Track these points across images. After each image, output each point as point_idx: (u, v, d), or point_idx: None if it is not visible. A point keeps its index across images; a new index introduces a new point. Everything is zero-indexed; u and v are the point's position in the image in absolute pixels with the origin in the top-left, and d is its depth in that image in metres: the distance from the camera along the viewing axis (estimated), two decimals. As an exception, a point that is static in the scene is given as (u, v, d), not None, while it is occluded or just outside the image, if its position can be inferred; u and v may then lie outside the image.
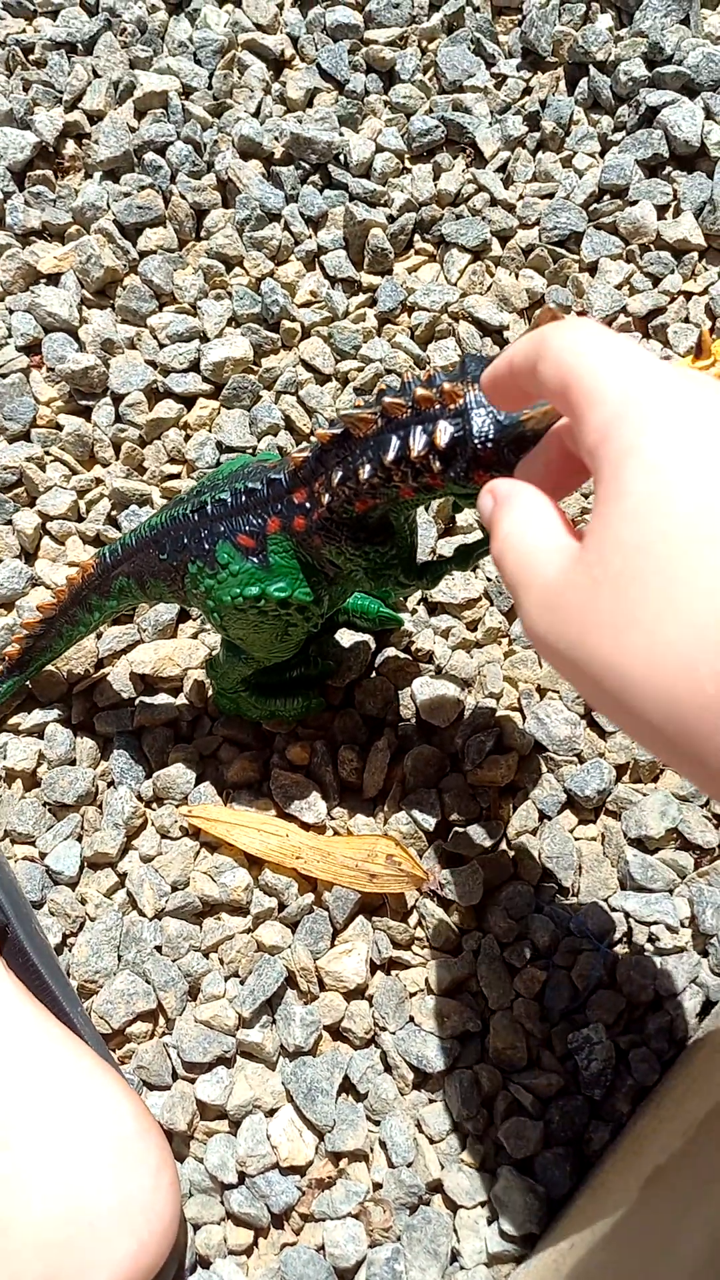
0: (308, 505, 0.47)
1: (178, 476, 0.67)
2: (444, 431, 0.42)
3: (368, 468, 0.44)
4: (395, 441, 0.43)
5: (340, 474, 0.45)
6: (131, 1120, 0.48)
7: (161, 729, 0.61)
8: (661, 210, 0.70)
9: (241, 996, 0.54)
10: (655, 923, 0.55)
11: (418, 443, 0.42)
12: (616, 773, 0.59)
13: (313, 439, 0.45)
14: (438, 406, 0.42)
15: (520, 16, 0.76)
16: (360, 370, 0.68)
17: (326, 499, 0.46)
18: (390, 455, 0.43)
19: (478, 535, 0.54)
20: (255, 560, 0.49)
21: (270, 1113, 0.53)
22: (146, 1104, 0.51)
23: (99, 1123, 0.47)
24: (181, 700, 0.62)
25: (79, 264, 0.70)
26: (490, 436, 0.41)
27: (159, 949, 0.56)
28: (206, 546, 0.50)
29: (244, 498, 0.48)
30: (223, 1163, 0.52)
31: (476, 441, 0.41)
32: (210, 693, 0.61)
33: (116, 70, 0.76)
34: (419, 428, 0.42)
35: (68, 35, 0.77)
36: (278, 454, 0.53)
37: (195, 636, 0.63)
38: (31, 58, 0.78)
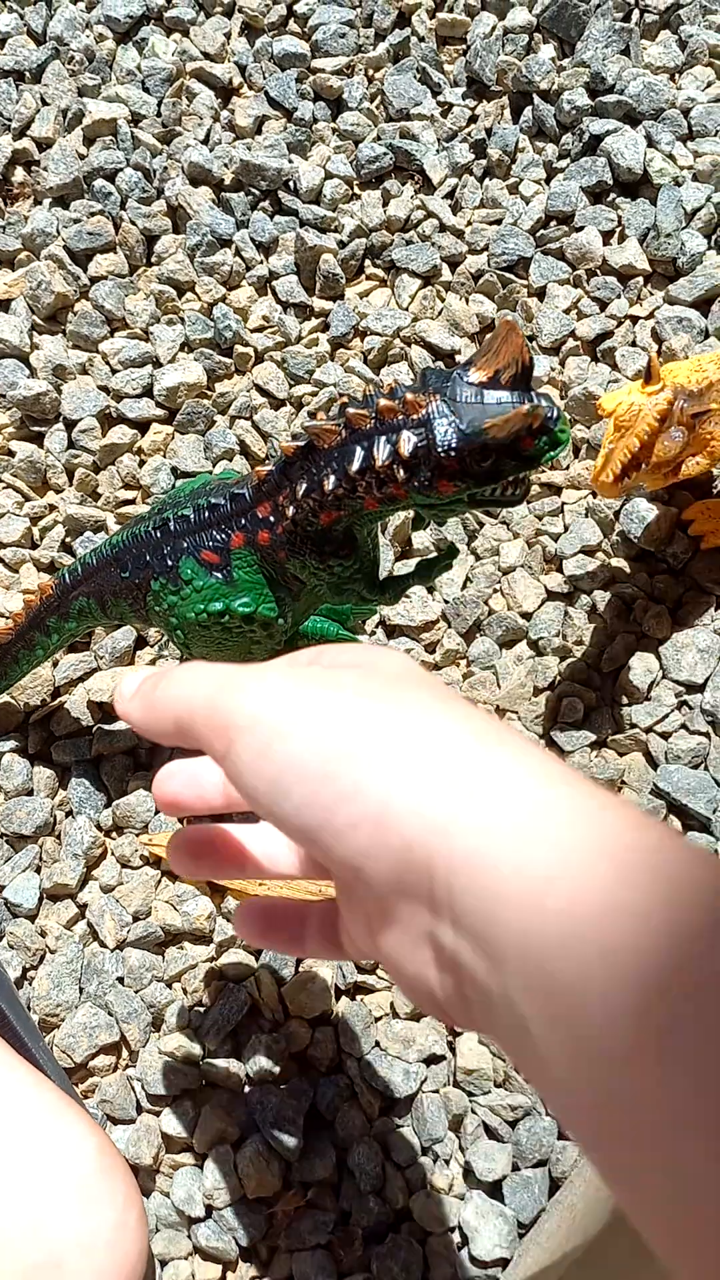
0: (272, 519, 0.47)
1: (133, 502, 0.67)
2: (407, 441, 0.42)
3: (332, 479, 0.44)
4: (359, 452, 0.43)
5: (305, 486, 0.45)
6: (95, 1156, 0.47)
7: (120, 757, 0.60)
8: (607, 236, 0.71)
9: (205, 1026, 0.54)
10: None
11: (382, 452, 0.43)
12: (576, 791, 0.59)
13: (275, 452, 0.45)
14: (400, 417, 0.42)
15: (465, 46, 0.77)
16: (314, 395, 0.68)
17: (291, 511, 0.46)
18: (355, 465, 0.43)
19: (435, 554, 0.55)
20: (219, 575, 0.49)
21: (237, 1144, 0.52)
22: (111, 1139, 0.50)
23: (62, 1160, 0.47)
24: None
25: (29, 290, 0.70)
26: (453, 445, 0.42)
27: (121, 980, 0.56)
28: (170, 563, 0.50)
29: (207, 513, 0.48)
30: (189, 1196, 0.51)
31: (440, 451, 0.42)
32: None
33: (65, 98, 0.76)
34: (383, 438, 0.43)
35: (15, 64, 0.77)
36: (238, 472, 0.52)
37: (153, 662, 0.63)
38: (-22, 85, 0.77)
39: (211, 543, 0.49)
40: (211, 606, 0.49)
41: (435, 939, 0.26)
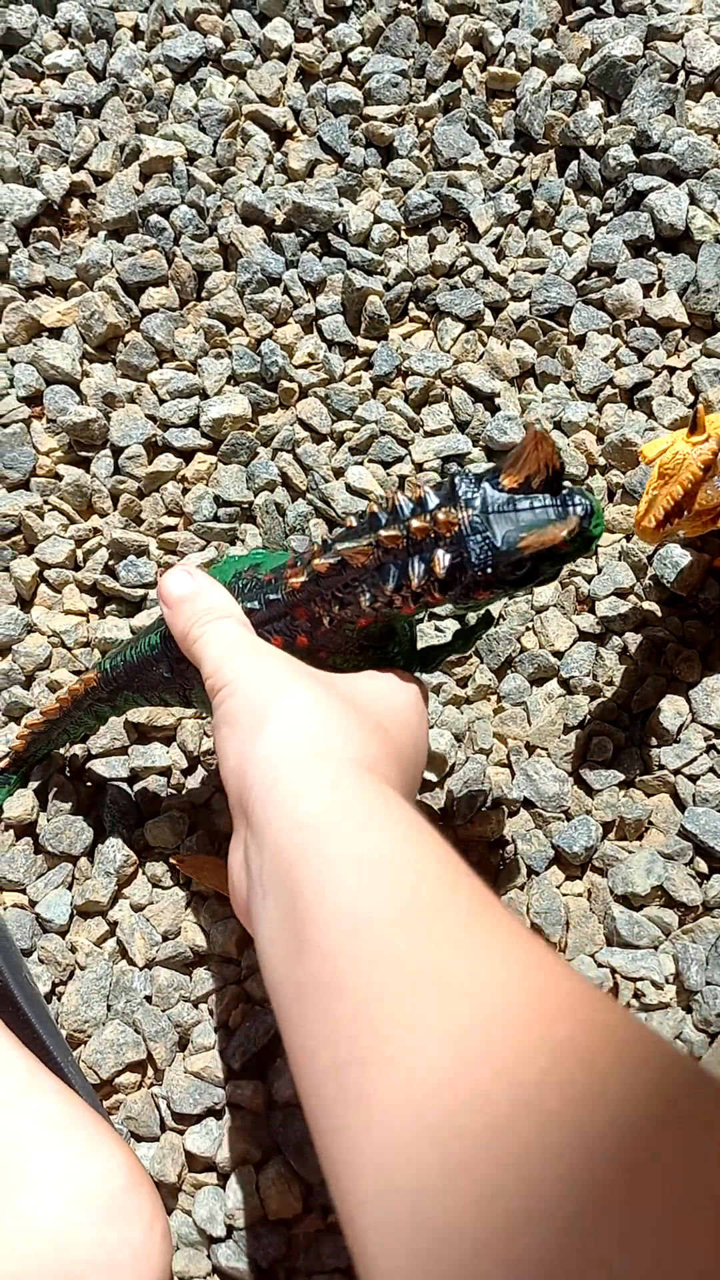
0: (308, 624, 0.46)
1: (175, 528, 0.68)
2: (442, 560, 0.42)
3: (367, 595, 0.44)
4: (394, 571, 0.43)
5: (340, 602, 0.45)
6: (123, 1172, 0.48)
7: (154, 777, 0.61)
8: (647, 289, 0.73)
9: (231, 1048, 0.55)
10: (641, 979, 0.56)
11: (416, 572, 0.42)
12: (603, 830, 0.60)
13: (309, 566, 0.45)
14: (433, 535, 0.42)
15: (514, 100, 0.80)
16: (356, 430, 0.70)
17: (328, 622, 0.46)
18: (390, 585, 0.43)
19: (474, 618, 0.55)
20: None
21: (259, 1165, 0.53)
22: (137, 1155, 0.51)
23: (90, 1174, 0.47)
24: (174, 749, 0.62)
25: (82, 319, 0.72)
26: (489, 563, 0.41)
27: (149, 999, 0.56)
28: None
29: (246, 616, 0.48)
30: (211, 1216, 0.51)
31: (475, 569, 0.42)
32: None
33: (123, 134, 0.78)
34: (416, 558, 0.42)
35: (75, 98, 0.79)
36: (263, 553, 0.52)
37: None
38: (39, 117, 0.80)
39: None
40: None
41: (245, 841, 0.38)
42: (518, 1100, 0.25)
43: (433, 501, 0.43)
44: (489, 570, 0.42)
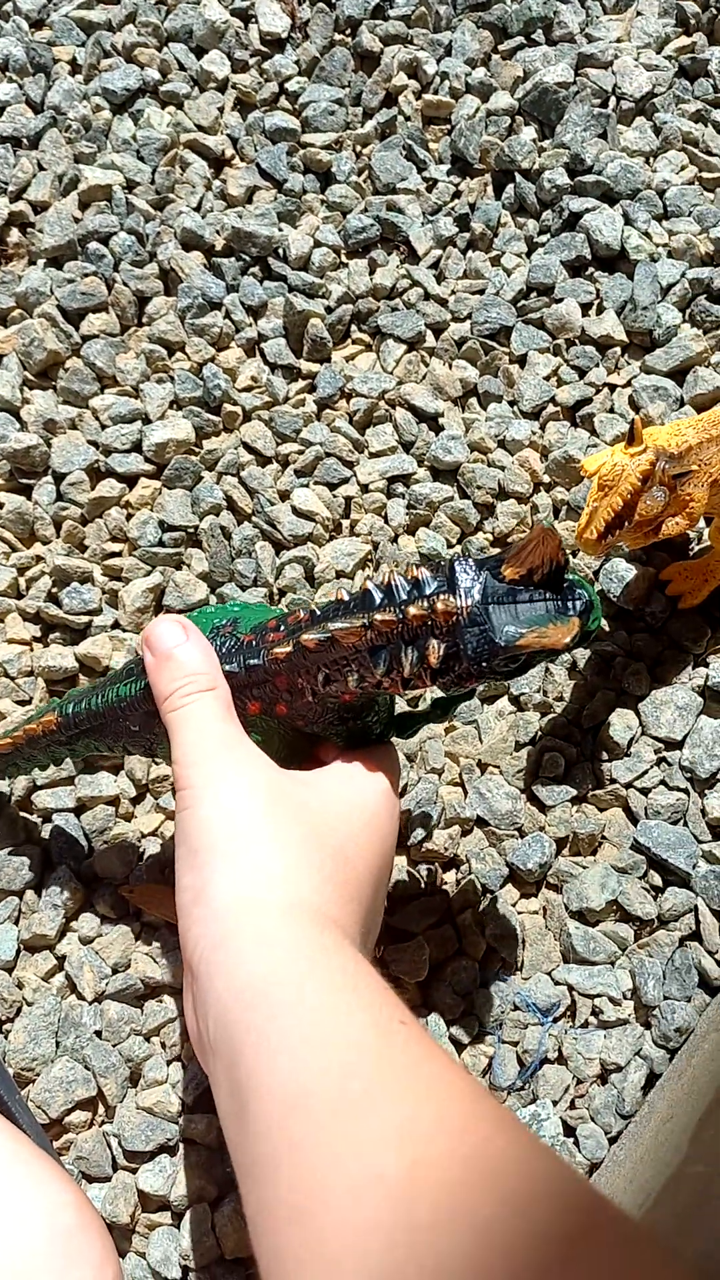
0: (288, 694, 0.45)
1: (119, 554, 0.67)
2: (437, 650, 0.41)
3: (355, 677, 0.43)
4: (385, 656, 0.42)
5: (324, 677, 0.43)
6: (72, 1212, 0.46)
7: (102, 806, 0.60)
8: (585, 308, 0.74)
9: (185, 1082, 0.53)
10: (599, 995, 0.56)
11: (410, 659, 0.42)
12: (557, 846, 0.60)
13: (296, 638, 0.43)
14: (429, 623, 0.41)
15: (449, 126, 0.81)
16: (301, 453, 0.69)
17: (310, 696, 0.44)
18: (380, 670, 0.42)
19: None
20: None
21: (215, 1202, 0.51)
22: (88, 1196, 0.49)
23: (38, 1216, 0.45)
24: (123, 778, 0.61)
25: (21, 346, 0.71)
26: (485, 657, 0.41)
27: (99, 1033, 0.55)
28: None
29: None
30: (166, 1257, 0.50)
31: (470, 662, 0.41)
32: None
33: (61, 164, 0.78)
34: (410, 645, 0.42)
35: (13, 130, 0.79)
36: (241, 605, 0.51)
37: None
38: (-25, 149, 0.79)
39: None
40: None
41: (192, 993, 0.39)
42: None
43: (430, 586, 0.41)
44: (484, 664, 0.41)
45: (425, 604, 0.41)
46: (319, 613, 0.44)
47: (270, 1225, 0.32)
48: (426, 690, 0.43)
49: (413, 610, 0.41)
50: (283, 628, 0.45)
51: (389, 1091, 0.32)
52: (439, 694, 0.53)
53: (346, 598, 0.44)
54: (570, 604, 0.42)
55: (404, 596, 0.42)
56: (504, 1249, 0.27)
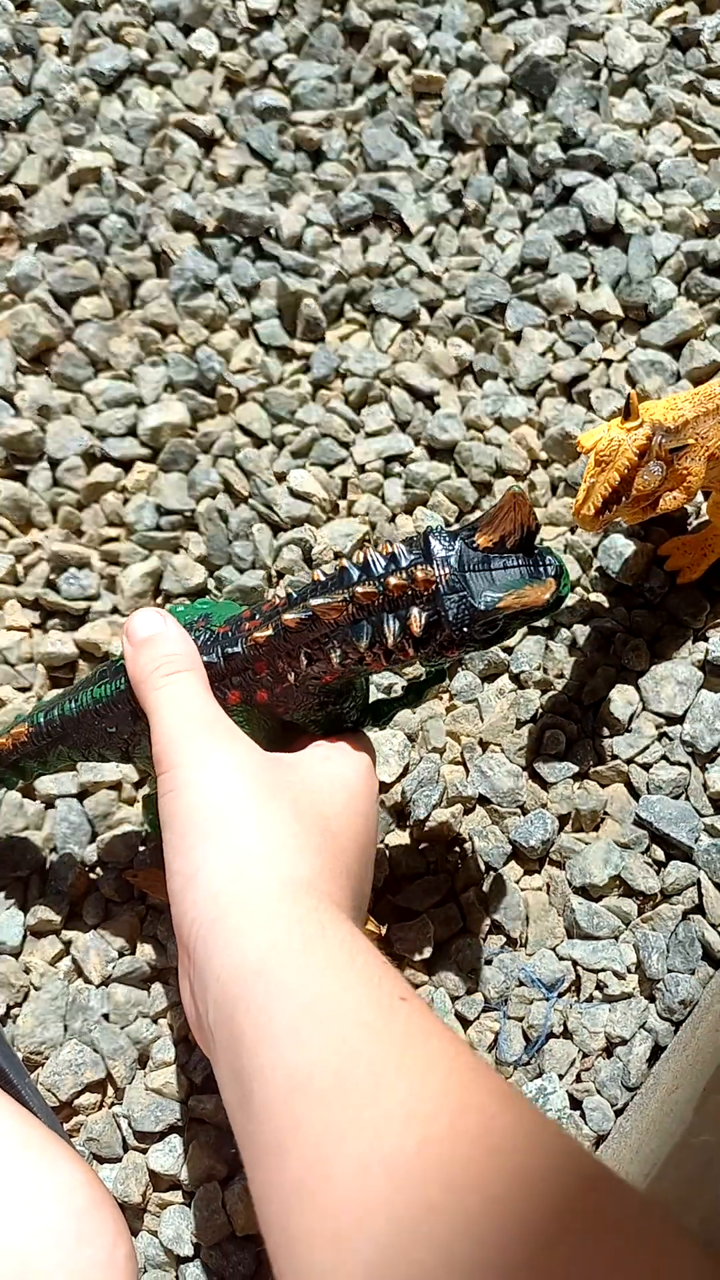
0: (270, 679, 0.45)
1: (116, 539, 0.67)
2: (419, 619, 0.42)
3: (338, 653, 0.43)
4: (368, 628, 0.42)
5: (308, 658, 0.44)
6: (84, 1192, 0.46)
7: (105, 791, 0.60)
8: (580, 283, 0.73)
9: (193, 1063, 0.53)
10: (603, 970, 0.56)
11: (392, 630, 0.42)
12: (559, 823, 0.60)
13: (274, 618, 0.44)
14: (409, 593, 0.42)
15: (440, 102, 0.80)
16: (296, 434, 0.69)
17: (292, 678, 0.45)
18: (364, 642, 0.42)
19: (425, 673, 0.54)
20: None
21: (225, 1181, 0.52)
22: (99, 1176, 0.50)
23: (50, 1196, 0.46)
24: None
25: (14, 331, 0.71)
26: (466, 622, 0.41)
27: (106, 1016, 0.55)
28: None
29: None
30: (178, 1235, 0.50)
31: (451, 628, 0.41)
32: (145, 817, 0.57)
33: (50, 147, 0.77)
34: (392, 615, 0.42)
35: (1, 113, 0.78)
36: (209, 603, 0.51)
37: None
38: (-37, 133, 0.79)
39: None
40: None
41: (189, 975, 0.39)
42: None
43: (406, 558, 0.42)
44: (465, 629, 0.41)
45: (404, 575, 0.41)
46: (296, 595, 0.44)
47: (278, 1207, 0.32)
48: (408, 664, 0.44)
49: (393, 581, 0.41)
50: (258, 616, 0.45)
51: (392, 1069, 0.32)
52: (411, 684, 0.54)
53: (323, 578, 0.44)
54: (543, 567, 0.42)
55: (381, 570, 0.42)
56: (513, 1224, 0.27)
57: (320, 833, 0.42)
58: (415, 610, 0.42)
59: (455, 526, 0.43)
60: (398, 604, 0.42)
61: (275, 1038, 0.34)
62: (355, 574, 0.43)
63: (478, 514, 0.67)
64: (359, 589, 0.42)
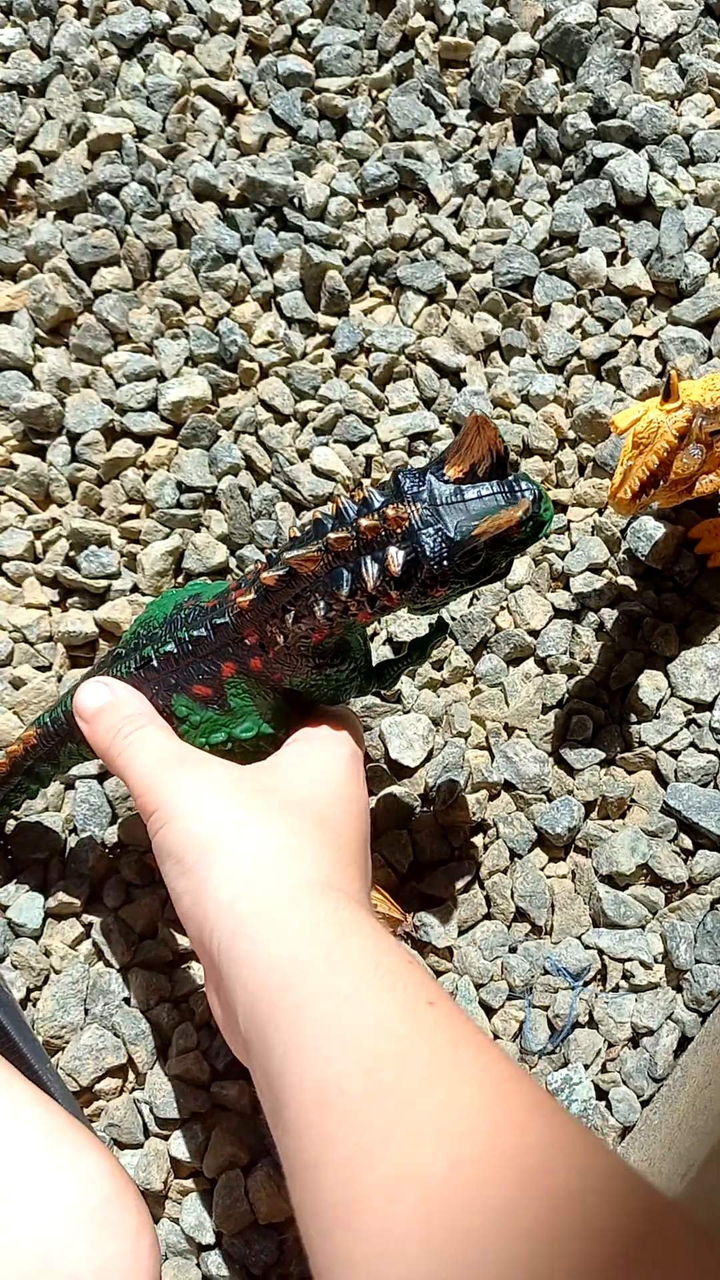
0: (262, 645, 0.45)
1: (136, 516, 0.66)
2: (396, 558, 0.41)
3: (322, 604, 0.42)
4: (347, 575, 0.42)
5: (294, 614, 0.43)
6: (107, 1181, 0.46)
7: (125, 773, 0.59)
8: (610, 257, 0.72)
9: (215, 1049, 0.53)
10: (629, 959, 0.55)
11: (371, 573, 0.41)
12: (586, 810, 0.59)
13: (255, 582, 0.44)
14: (384, 533, 0.41)
15: (468, 70, 0.78)
16: (319, 410, 0.68)
17: (282, 640, 0.44)
18: (345, 590, 0.42)
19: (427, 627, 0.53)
20: (215, 708, 0.47)
21: (247, 1168, 0.51)
22: (121, 1164, 0.49)
23: (73, 1185, 0.45)
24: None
25: (32, 302, 0.69)
26: (445, 555, 0.41)
27: (127, 1001, 0.55)
28: (160, 703, 0.48)
29: (191, 646, 0.46)
30: (200, 1223, 0.50)
31: (431, 562, 0.41)
32: None
33: (69, 112, 0.75)
34: (369, 558, 0.41)
35: (19, 77, 0.76)
36: (202, 584, 0.51)
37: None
38: (-20, 97, 0.77)
39: (201, 676, 0.47)
40: (214, 738, 0.48)
41: (217, 984, 0.39)
42: None
43: (378, 500, 0.42)
44: (444, 563, 0.41)
45: (376, 516, 0.41)
46: (274, 555, 0.44)
47: (319, 1228, 0.32)
48: (394, 609, 0.43)
49: (365, 523, 0.41)
50: (243, 585, 0.45)
51: (421, 1081, 0.32)
52: (414, 642, 0.53)
53: (298, 533, 0.44)
54: (519, 492, 0.41)
55: (354, 515, 0.42)
56: (553, 1251, 0.26)
57: (319, 826, 0.42)
58: (392, 549, 0.41)
59: (423, 463, 0.42)
60: (373, 546, 0.41)
61: (303, 1053, 0.34)
62: (328, 524, 0.42)
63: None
64: (332, 536, 0.41)
